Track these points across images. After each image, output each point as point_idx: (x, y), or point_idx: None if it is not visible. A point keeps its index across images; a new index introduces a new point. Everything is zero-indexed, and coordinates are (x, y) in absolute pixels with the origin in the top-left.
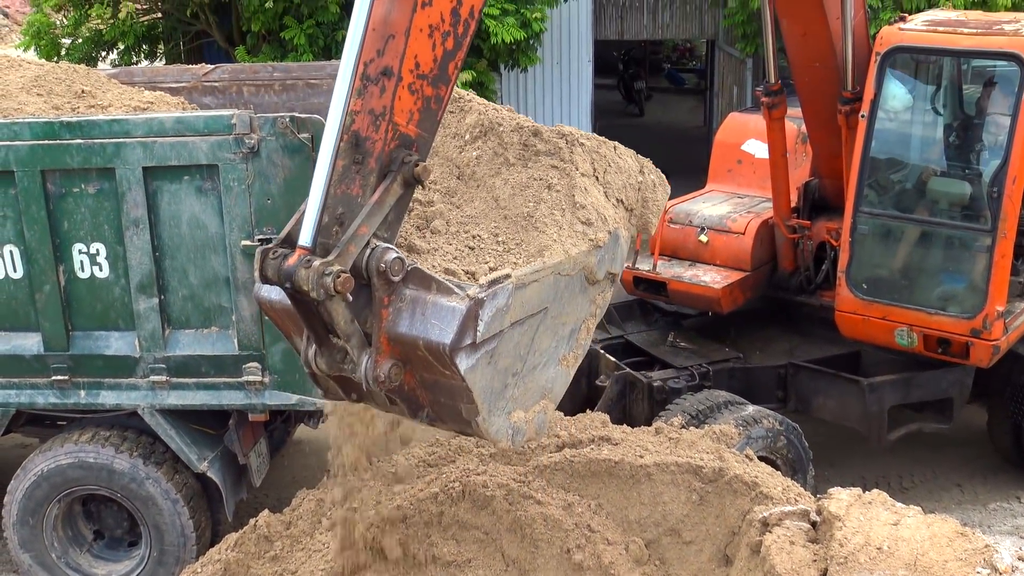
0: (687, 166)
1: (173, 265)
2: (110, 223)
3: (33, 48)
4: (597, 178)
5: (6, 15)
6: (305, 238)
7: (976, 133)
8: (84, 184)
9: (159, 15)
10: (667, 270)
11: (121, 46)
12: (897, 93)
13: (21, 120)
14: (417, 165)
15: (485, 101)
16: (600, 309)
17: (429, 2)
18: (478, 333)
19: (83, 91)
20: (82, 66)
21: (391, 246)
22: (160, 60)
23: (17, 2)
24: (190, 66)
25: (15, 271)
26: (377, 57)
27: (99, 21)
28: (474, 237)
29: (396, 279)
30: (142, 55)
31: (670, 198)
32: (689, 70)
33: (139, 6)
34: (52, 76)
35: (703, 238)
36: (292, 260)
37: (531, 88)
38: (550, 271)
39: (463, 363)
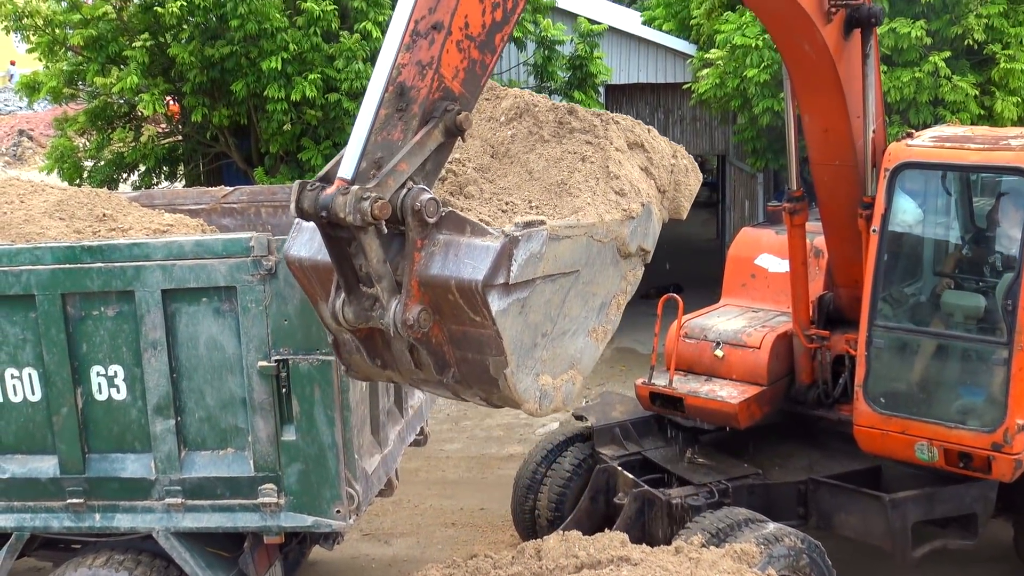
0: (701, 279)
1: (190, 386)
2: (128, 345)
3: (56, 171)
4: (632, 154)
5: (31, 138)
6: (346, 171)
7: (988, 246)
8: (104, 307)
9: (179, 138)
10: (683, 385)
11: (142, 168)
12: (908, 207)
13: (43, 245)
14: (460, 114)
15: (520, 90)
16: (631, 286)
17: None
18: (511, 273)
19: (104, 215)
20: (103, 190)
21: (427, 188)
22: (180, 181)
23: (41, 125)
24: (209, 188)
25: (33, 394)
26: (428, 14)
27: (121, 144)
28: (507, 204)
29: (431, 220)
30: (163, 176)
31: (684, 312)
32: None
33: (160, 129)
34: (74, 200)
35: (719, 353)
36: (330, 190)
37: None
38: (584, 231)
39: (495, 303)
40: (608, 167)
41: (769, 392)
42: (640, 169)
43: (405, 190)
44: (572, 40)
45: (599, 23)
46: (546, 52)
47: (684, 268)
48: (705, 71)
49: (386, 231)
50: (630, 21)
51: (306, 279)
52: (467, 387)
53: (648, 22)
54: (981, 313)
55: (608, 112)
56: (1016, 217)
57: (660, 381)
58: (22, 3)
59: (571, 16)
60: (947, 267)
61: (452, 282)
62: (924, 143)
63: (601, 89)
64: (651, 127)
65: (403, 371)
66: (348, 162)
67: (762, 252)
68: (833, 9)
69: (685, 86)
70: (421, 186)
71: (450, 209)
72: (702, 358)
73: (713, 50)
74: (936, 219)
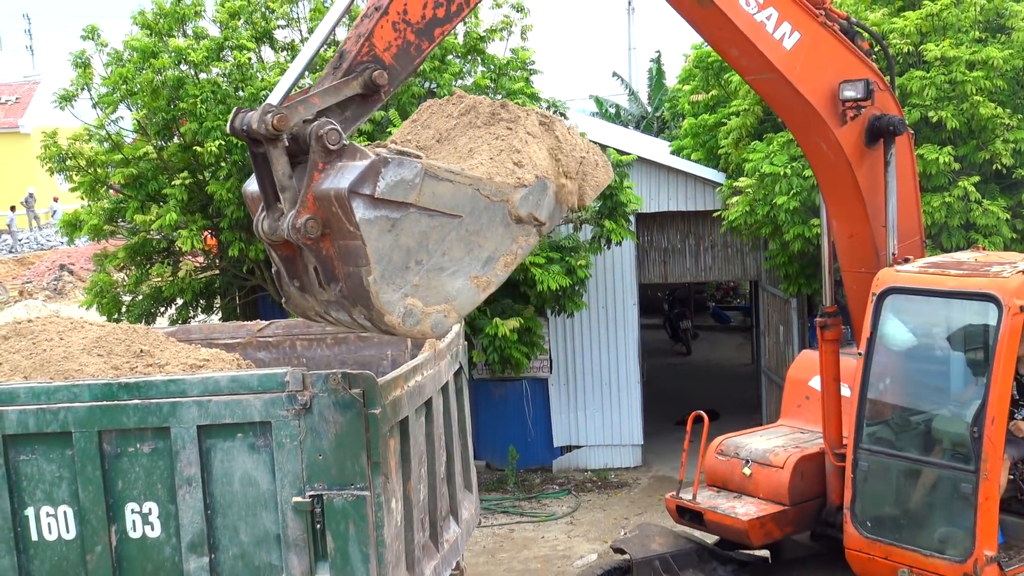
0: (737, 404)
1: (224, 523)
2: (163, 482)
3: (95, 305)
4: (544, 139)
5: (71, 272)
6: (273, 98)
7: (963, 373)
8: (139, 443)
9: (216, 271)
10: (707, 500)
11: (180, 301)
12: (895, 332)
13: (81, 383)
14: (375, 71)
15: (477, 97)
16: (522, 250)
17: None
18: (378, 188)
19: (142, 350)
20: (141, 326)
21: (333, 122)
22: (217, 314)
23: (82, 259)
24: (245, 322)
25: (68, 532)
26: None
27: (159, 279)
28: None
29: (332, 147)
30: (199, 309)
31: (725, 432)
32: (734, 308)
33: (197, 263)
34: (112, 337)
35: (746, 471)
36: (253, 112)
37: (578, 332)
38: (468, 182)
39: (359, 211)
40: (514, 144)
41: (792, 512)
42: (549, 153)
43: (315, 122)
44: None
45: (628, 154)
46: None
47: (720, 393)
48: (735, 199)
49: (287, 146)
50: (659, 151)
51: (253, 207)
52: (353, 304)
53: (677, 151)
54: (955, 440)
55: (544, 112)
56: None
57: (686, 495)
58: (66, 145)
59: (601, 147)
60: (928, 392)
61: (332, 192)
62: (911, 269)
63: (632, 217)
64: (574, 126)
65: (314, 291)
66: (276, 92)
67: (816, 374)
68: (851, 113)
69: (715, 214)
70: (327, 119)
71: (352, 143)
72: (733, 475)
73: (742, 178)
74: (919, 345)
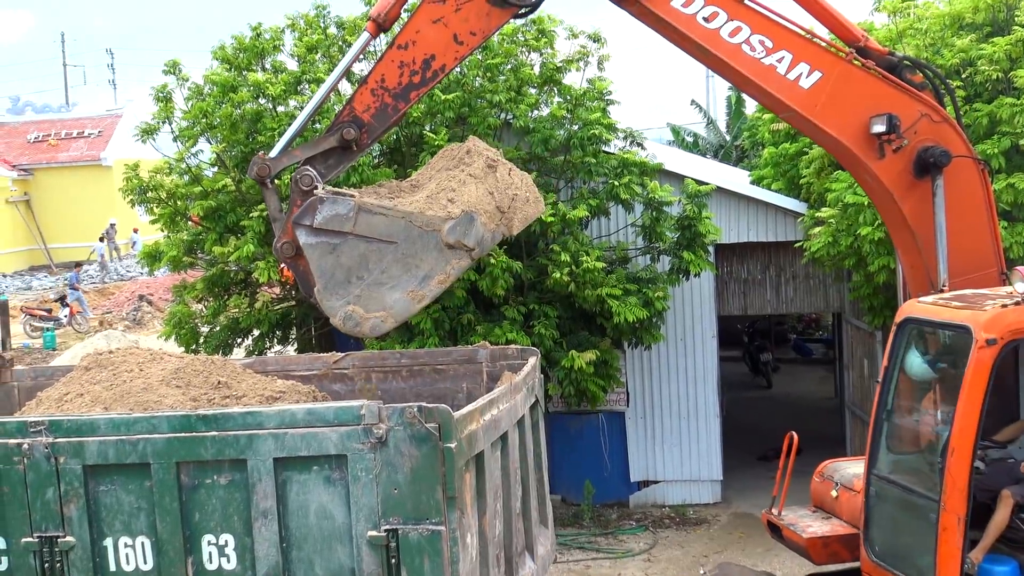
0: (820, 439)
1: (300, 556)
2: (239, 514)
3: (174, 336)
4: (484, 179)
5: (150, 303)
6: (272, 152)
7: (945, 404)
8: (216, 475)
9: (293, 303)
10: (791, 517)
11: (256, 332)
12: (909, 362)
13: (160, 414)
14: (345, 130)
15: (459, 145)
16: (454, 271)
17: (405, 46)
18: (315, 220)
19: (219, 382)
20: (219, 357)
21: (310, 169)
22: (292, 345)
23: (160, 290)
24: (321, 354)
25: (145, 563)
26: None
27: (236, 310)
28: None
29: (305, 188)
30: (275, 340)
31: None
32: (816, 340)
33: (273, 294)
34: (191, 368)
35: (834, 493)
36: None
37: (656, 364)
38: (400, 215)
39: (302, 237)
40: (452, 184)
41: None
42: (486, 190)
43: (298, 172)
44: (680, 201)
45: (707, 183)
46: (654, 213)
47: (802, 428)
48: (817, 229)
49: (270, 187)
50: (738, 180)
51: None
52: (318, 307)
53: (756, 181)
54: (933, 470)
55: (491, 152)
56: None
57: (777, 510)
58: (147, 177)
59: (679, 177)
60: (924, 421)
61: (293, 222)
62: (927, 300)
63: (711, 248)
64: (513, 166)
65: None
66: (276, 147)
67: None
68: (894, 145)
69: (797, 244)
70: (307, 167)
71: (324, 185)
72: (826, 497)
73: (824, 208)
74: (923, 375)
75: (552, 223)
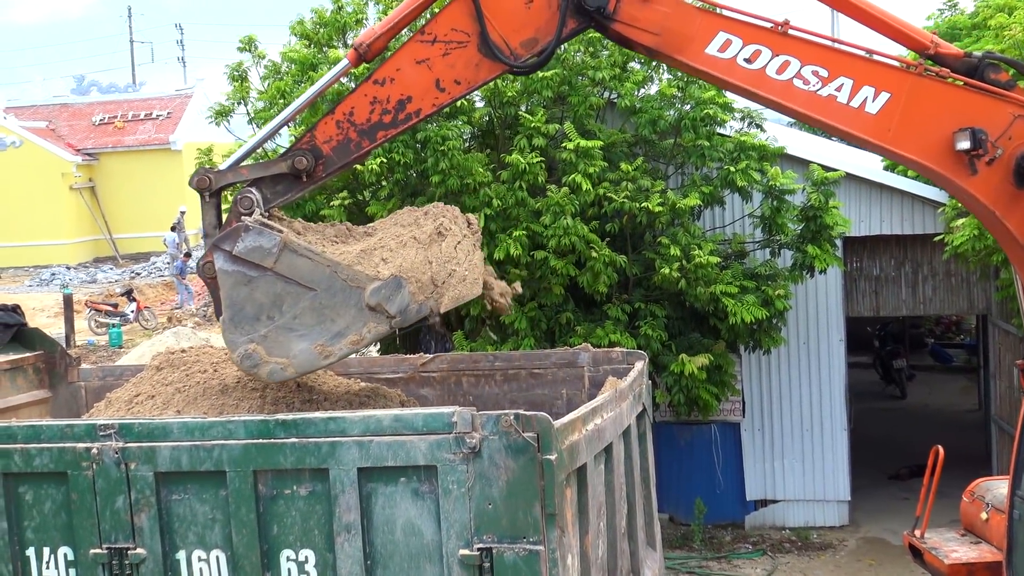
0: (962, 456)
1: (385, 575)
2: (320, 528)
3: None
4: (428, 246)
5: None
6: (224, 164)
7: None
8: (296, 486)
9: None
10: (933, 539)
11: None
12: None
13: (236, 418)
14: (296, 159)
15: (428, 207)
16: (369, 335)
17: (382, 82)
18: (236, 247)
19: (299, 384)
20: None
21: (252, 192)
22: (376, 345)
23: None
24: (407, 356)
25: None
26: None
27: None
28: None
29: (243, 211)
30: None
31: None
32: (957, 345)
33: None
34: None
35: (984, 515)
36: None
37: (775, 371)
38: (326, 263)
39: (218, 261)
40: (391, 244)
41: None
42: (425, 258)
43: (241, 192)
44: (804, 189)
45: (835, 170)
46: (775, 203)
47: (941, 443)
48: (960, 221)
49: (207, 201)
50: (870, 166)
51: None
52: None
53: (890, 167)
54: None
55: (444, 225)
56: None
57: (930, 535)
58: (221, 163)
59: (803, 163)
60: None
61: (213, 243)
62: None
63: (839, 242)
64: (462, 242)
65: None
66: (227, 161)
67: None
68: (987, 158)
69: (936, 238)
70: (250, 190)
71: (262, 209)
72: (976, 520)
73: None
74: None
75: (660, 213)
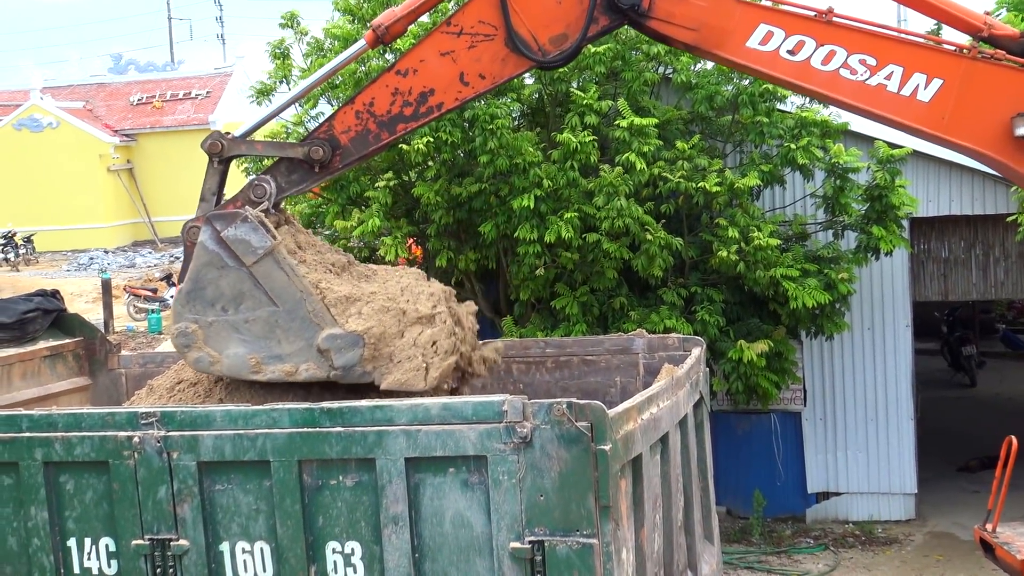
0: None
1: (433, 568)
2: (367, 519)
3: None
4: (407, 323)
5: None
6: (238, 131)
7: None
8: (342, 476)
9: None
10: (1006, 533)
11: None
12: None
13: (281, 407)
14: (315, 150)
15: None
16: (305, 373)
17: (405, 73)
18: (225, 231)
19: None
20: None
21: (268, 180)
22: None
23: None
24: None
25: (264, 571)
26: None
27: None
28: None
29: (255, 199)
30: None
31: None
32: None
33: None
34: None
35: None
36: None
37: (838, 357)
38: (300, 287)
39: (204, 233)
40: (381, 303)
41: None
42: (397, 334)
43: (258, 177)
44: (869, 167)
45: (901, 147)
46: (838, 182)
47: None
48: None
49: (215, 166)
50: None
51: None
52: None
53: None
54: None
55: (444, 322)
56: None
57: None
58: None
59: (867, 140)
60: None
61: (208, 215)
62: None
63: (905, 223)
64: (449, 339)
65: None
66: (241, 128)
67: None
68: None
69: (1009, 219)
70: (265, 177)
71: (269, 203)
72: None
73: None
74: None
75: (718, 193)
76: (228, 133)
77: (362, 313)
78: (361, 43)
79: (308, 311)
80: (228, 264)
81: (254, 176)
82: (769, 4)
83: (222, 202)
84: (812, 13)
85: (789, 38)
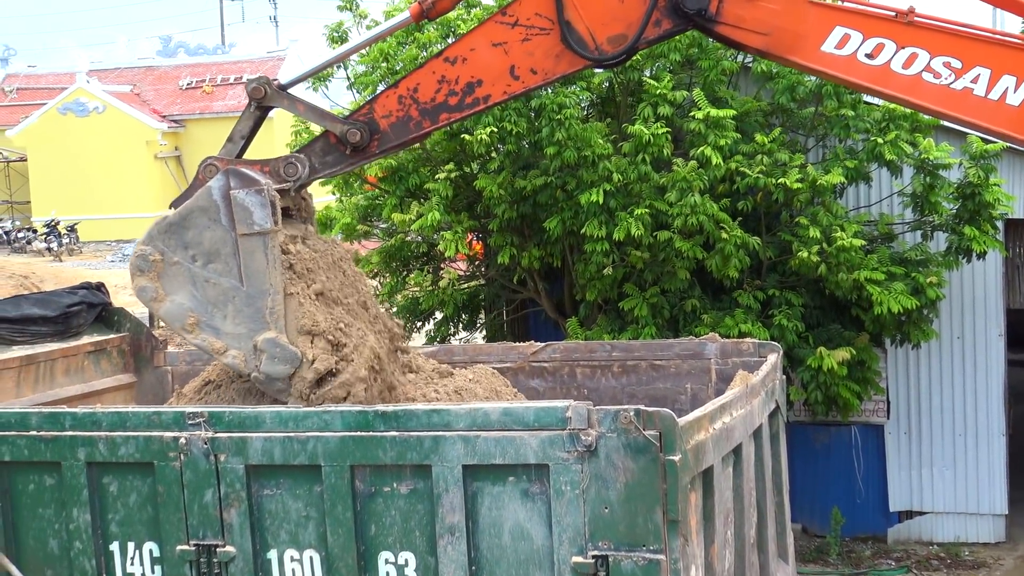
0: None
1: None
2: (422, 529)
3: None
4: (383, 360)
5: None
6: (284, 80)
7: None
8: (396, 483)
9: (482, 281)
10: None
11: (439, 315)
12: None
13: (333, 409)
14: (352, 132)
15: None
16: (227, 358)
17: (453, 61)
18: (235, 193)
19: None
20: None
21: (303, 158)
22: (480, 331)
23: None
24: (516, 343)
25: None
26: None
27: (417, 288)
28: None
29: (286, 177)
30: (460, 325)
31: None
32: None
33: (460, 271)
34: None
35: None
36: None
37: (925, 367)
38: (271, 283)
39: (217, 180)
40: (372, 344)
41: None
42: (363, 365)
43: (294, 155)
44: (961, 164)
45: (995, 142)
46: (927, 179)
47: None
48: None
49: (251, 111)
50: None
51: None
52: None
53: None
54: None
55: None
56: None
57: None
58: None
59: (960, 135)
60: None
61: (229, 167)
62: None
63: (1000, 224)
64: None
65: None
66: (290, 77)
67: None
68: None
69: None
70: (299, 155)
71: (295, 183)
72: None
73: None
74: None
75: (799, 190)
76: (275, 80)
77: (340, 337)
78: (405, 15)
79: (267, 307)
80: (221, 221)
81: (289, 156)
82: (845, 4)
83: (247, 156)
84: (892, 14)
85: (867, 41)
